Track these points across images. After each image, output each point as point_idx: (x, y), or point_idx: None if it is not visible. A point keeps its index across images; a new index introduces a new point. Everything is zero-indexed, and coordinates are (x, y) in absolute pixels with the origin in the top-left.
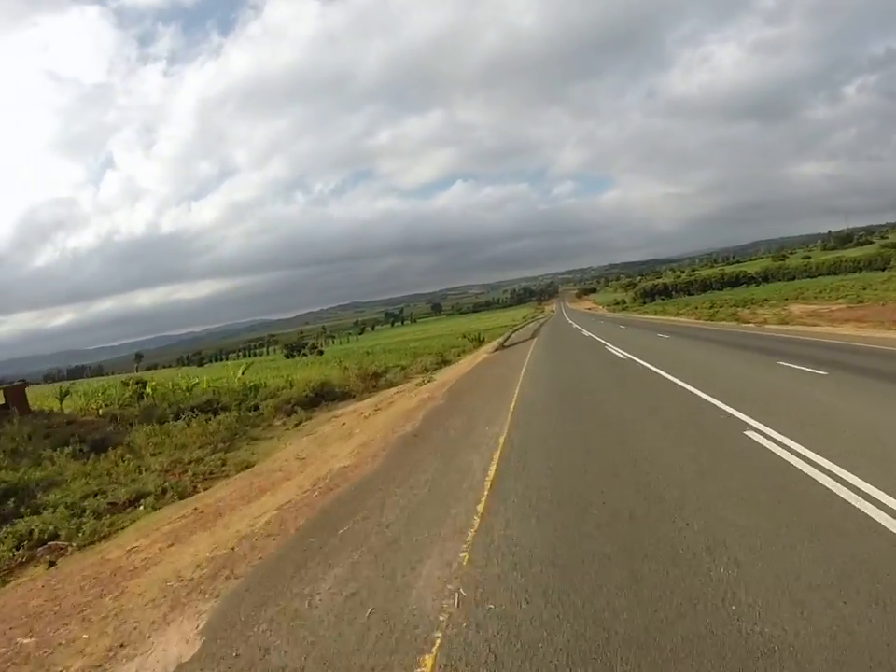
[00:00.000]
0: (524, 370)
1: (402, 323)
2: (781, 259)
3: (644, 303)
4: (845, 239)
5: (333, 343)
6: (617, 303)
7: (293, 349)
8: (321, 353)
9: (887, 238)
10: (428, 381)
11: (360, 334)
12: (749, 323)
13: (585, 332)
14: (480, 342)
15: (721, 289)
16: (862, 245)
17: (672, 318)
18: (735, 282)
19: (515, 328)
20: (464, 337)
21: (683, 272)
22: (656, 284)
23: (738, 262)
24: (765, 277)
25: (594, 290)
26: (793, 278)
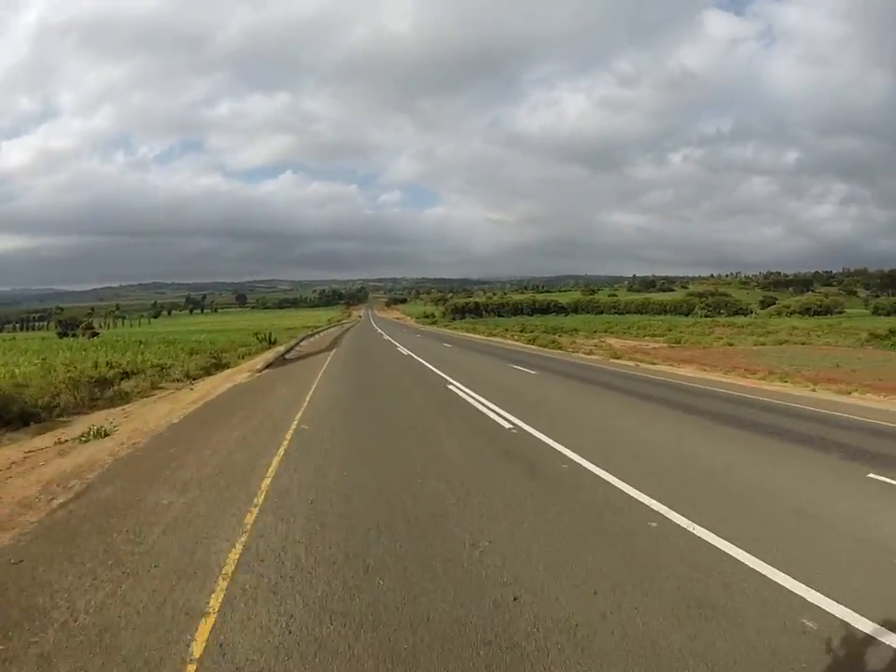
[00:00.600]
0: (289, 432)
1: (202, 311)
2: (591, 293)
3: (454, 319)
4: (649, 283)
5: (124, 323)
6: (427, 316)
7: (68, 327)
8: (95, 334)
9: (687, 288)
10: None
11: (155, 318)
12: (576, 352)
13: (402, 349)
14: (271, 343)
15: (532, 315)
16: (665, 291)
17: (491, 339)
18: (546, 309)
19: (316, 329)
20: (256, 335)
21: (496, 293)
22: (468, 302)
23: (548, 291)
24: (575, 309)
25: (403, 301)
26: (601, 312)
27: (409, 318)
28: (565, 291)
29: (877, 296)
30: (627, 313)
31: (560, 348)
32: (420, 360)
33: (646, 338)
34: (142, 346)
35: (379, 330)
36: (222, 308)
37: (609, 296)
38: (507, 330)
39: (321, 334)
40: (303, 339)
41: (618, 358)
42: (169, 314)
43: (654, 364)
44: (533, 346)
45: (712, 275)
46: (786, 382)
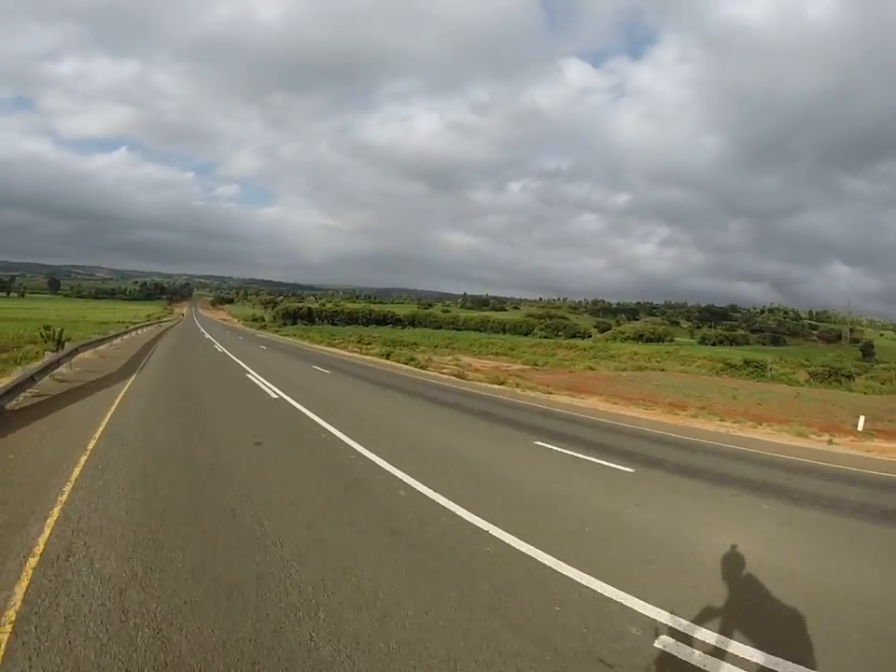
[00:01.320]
0: None
1: (7, 294)
2: (426, 307)
3: (284, 324)
4: (482, 301)
5: None
6: (255, 320)
7: None
8: None
9: (518, 308)
10: None
11: None
12: (440, 371)
13: (239, 362)
14: (60, 343)
15: (367, 325)
16: (498, 310)
17: (335, 350)
18: (382, 321)
19: (132, 325)
20: (46, 329)
21: (330, 301)
22: (301, 307)
23: (381, 302)
24: (412, 321)
25: (230, 301)
26: (440, 327)
27: (236, 320)
28: (398, 303)
29: (699, 327)
30: (466, 329)
31: (422, 367)
32: (265, 385)
33: (492, 356)
34: None
35: (208, 336)
36: (33, 293)
37: (444, 311)
38: (343, 340)
39: (133, 334)
40: (103, 340)
41: (500, 383)
42: None
43: (550, 394)
44: (387, 362)
45: (541, 298)
46: (738, 423)
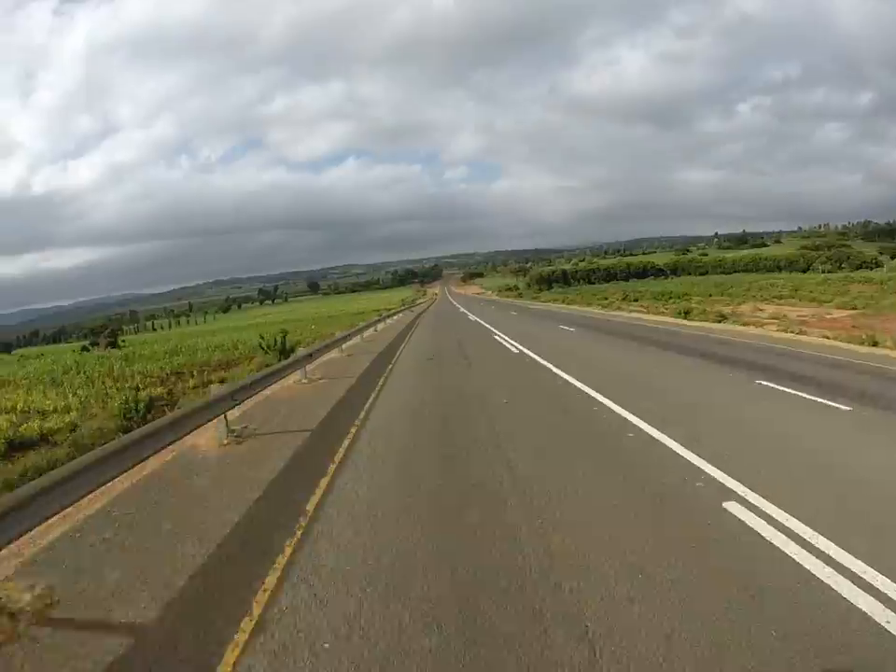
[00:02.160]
0: None
1: (273, 301)
2: (683, 253)
3: (539, 290)
4: (739, 239)
5: (188, 322)
6: (509, 289)
7: (99, 335)
8: (114, 345)
9: (780, 243)
10: None
11: (224, 312)
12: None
13: (490, 328)
14: (283, 352)
15: (627, 280)
16: (758, 246)
17: (614, 312)
18: (643, 273)
19: (387, 312)
20: (261, 342)
21: (582, 259)
22: (554, 270)
23: (632, 254)
24: (673, 270)
25: (480, 275)
26: (705, 273)
27: (489, 292)
28: (649, 253)
29: None
30: (735, 272)
31: (745, 324)
32: (519, 346)
33: (777, 300)
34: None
35: (462, 310)
36: (296, 297)
37: (702, 255)
38: (606, 298)
39: (388, 321)
40: (347, 337)
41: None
42: (239, 307)
43: None
44: (688, 322)
45: (800, 227)
46: None
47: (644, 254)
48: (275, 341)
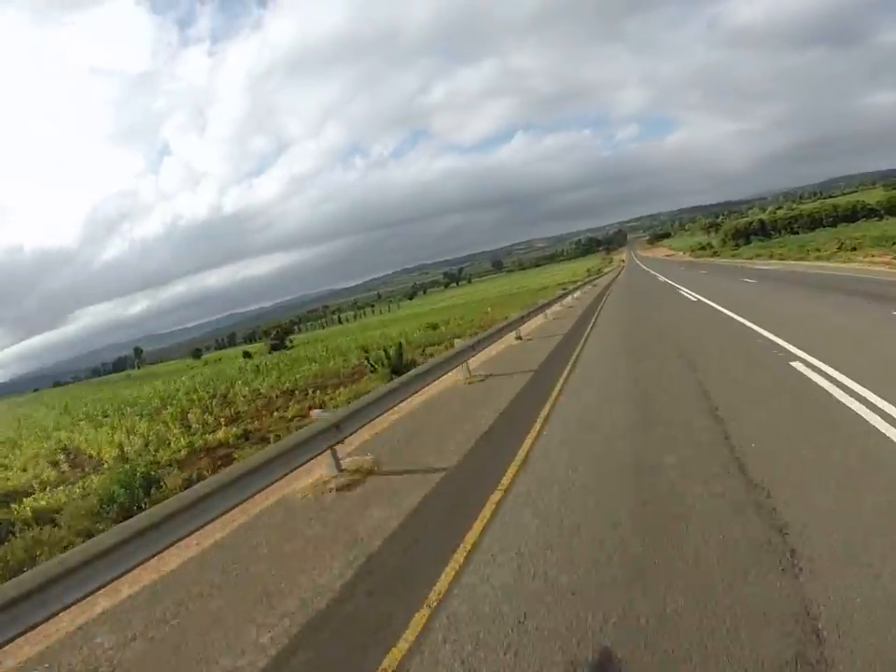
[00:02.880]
0: None
1: (457, 284)
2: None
3: (737, 246)
4: None
5: (373, 311)
6: (702, 248)
7: (280, 337)
8: (282, 345)
9: None
10: None
11: (410, 299)
12: None
13: (676, 285)
14: (393, 369)
15: (835, 225)
16: None
17: (850, 265)
18: (852, 216)
19: (565, 290)
20: (366, 352)
21: (780, 206)
22: (751, 222)
23: (831, 196)
24: (890, 209)
25: (667, 235)
26: None
27: (680, 253)
28: (849, 193)
29: None
30: None
31: None
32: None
33: None
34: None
35: (652, 272)
36: (481, 276)
37: None
38: (818, 250)
39: (568, 299)
40: (508, 326)
41: None
42: (424, 292)
43: None
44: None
45: None
46: None
47: (843, 194)
48: (386, 355)
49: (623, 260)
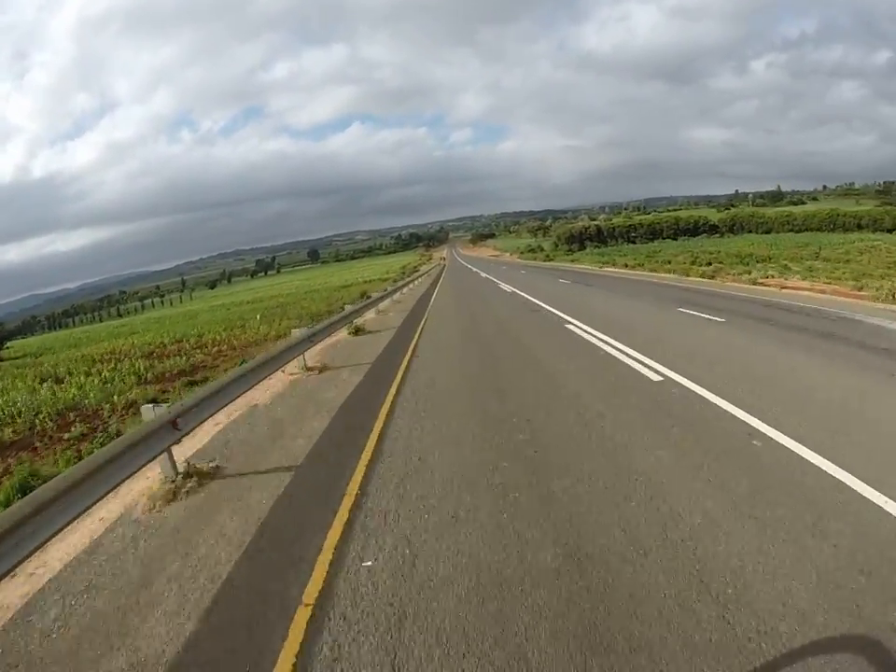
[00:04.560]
0: None
1: (266, 273)
2: (726, 209)
3: (570, 251)
4: (775, 197)
5: (164, 303)
6: (532, 250)
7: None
8: None
9: (817, 200)
10: None
11: (211, 288)
12: None
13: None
14: None
15: (675, 238)
16: (795, 204)
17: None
18: (694, 230)
19: (364, 301)
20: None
21: (617, 215)
22: (587, 227)
23: (654, 211)
24: (731, 227)
25: (491, 235)
26: (769, 231)
27: (508, 254)
28: (673, 211)
29: None
30: (806, 230)
31: None
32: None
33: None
34: None
35: (484, 275)
36: (295, 266)
37: (751, 214)
38: (669, 262)
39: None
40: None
41: None
42: (229, 281)
43: None
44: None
45: (825, 186)
46: None
47: (666, 211)
48: None
49: (444, 258)
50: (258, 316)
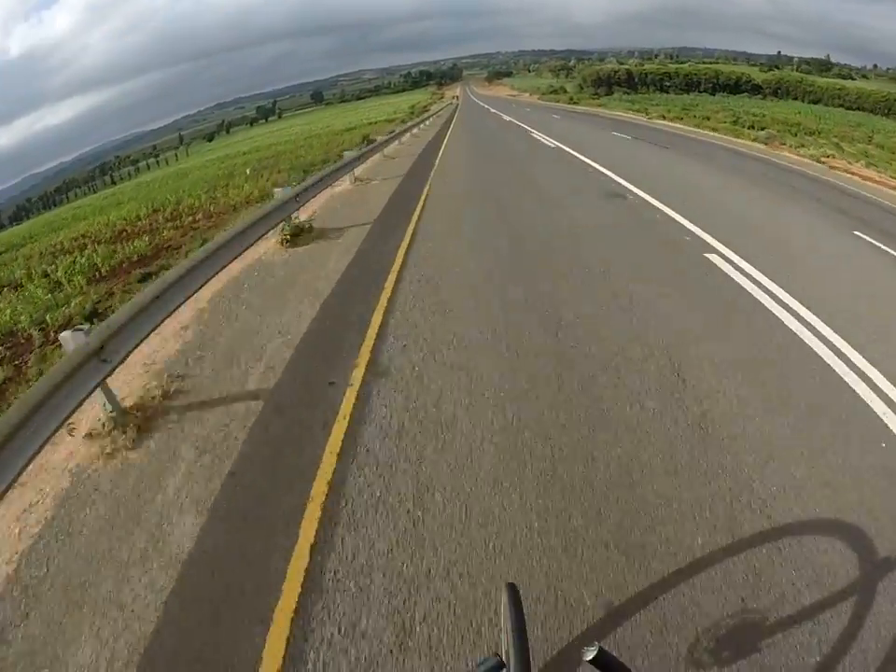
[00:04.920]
0: None
1: (266, 120)
2: (769, 70)
3: (597, 95)
4: (822, 65)
5: (158, 164)
6: (554, 92)
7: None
8: None
9: (868, 78)
10: None
11: (210, 141)
12: None
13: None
14: None
15: (713, 93)
16: (844, 77)
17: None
18: (735, 87)
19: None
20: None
21: (650, 61)
22: (616, 70)
23: (713, 62)
24: (775, 90)
25: (508, 74)
26: (817, 101)
27: (527, 94)
28: (711, 63)
29: None
30: (858, 109)
31: None
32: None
33: None
34: None
35: (507, 118)
36: (295, 111)
37: (799, 79)
38: (708, 118)
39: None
40: None
41: None
42: (227, 131)
43: None
44: None
45: (876, 66)
46: None
47: (702, 63)
48: None
49: (457, 97)
50: (247, 171)
